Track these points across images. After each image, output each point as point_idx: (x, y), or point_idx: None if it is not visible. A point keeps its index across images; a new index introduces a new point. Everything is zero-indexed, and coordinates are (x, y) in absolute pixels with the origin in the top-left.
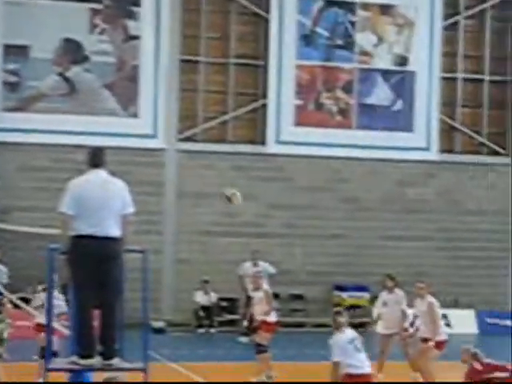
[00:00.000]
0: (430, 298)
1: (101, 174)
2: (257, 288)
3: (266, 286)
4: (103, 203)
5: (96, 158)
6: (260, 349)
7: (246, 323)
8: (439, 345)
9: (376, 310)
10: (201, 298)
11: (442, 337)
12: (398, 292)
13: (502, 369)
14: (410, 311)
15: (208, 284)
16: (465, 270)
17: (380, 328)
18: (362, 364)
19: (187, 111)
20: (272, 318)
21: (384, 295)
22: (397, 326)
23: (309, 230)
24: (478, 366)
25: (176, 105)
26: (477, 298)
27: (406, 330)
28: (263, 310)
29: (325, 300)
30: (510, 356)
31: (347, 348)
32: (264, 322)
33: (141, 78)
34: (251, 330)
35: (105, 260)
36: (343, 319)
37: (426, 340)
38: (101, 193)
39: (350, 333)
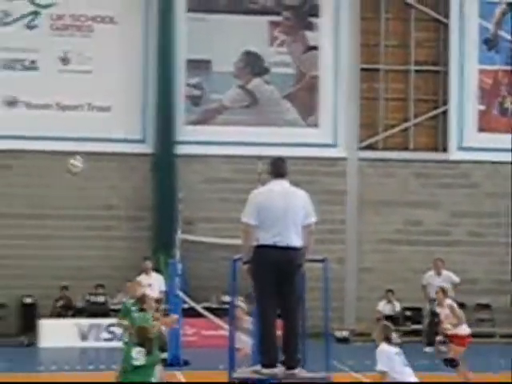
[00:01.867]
0: None
1: (283, 184)
2: (440, 304)
3: (448, 300)
4: (285, 213)
5: (278, 168)
6: (452, 364)
7: (439, 338)
8: None
9: None
10: (384, 308)
11: None
12: None
13: None
14: None
15: (392, 293)
16: None
17: None
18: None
19: (368, 119)
20: (463, 330)
21: None
22: None
23: (494, 238)
24: None
25: (356, 113)
26: None
27: None
28: (452, 323)
29: None
30: None
31: (394, 359)
32: (455, 336)
33: (320, 88)
34: (442, 342)
35: (287, 269)
36: (392, 332)
37: None
38: (283, 203)
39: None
